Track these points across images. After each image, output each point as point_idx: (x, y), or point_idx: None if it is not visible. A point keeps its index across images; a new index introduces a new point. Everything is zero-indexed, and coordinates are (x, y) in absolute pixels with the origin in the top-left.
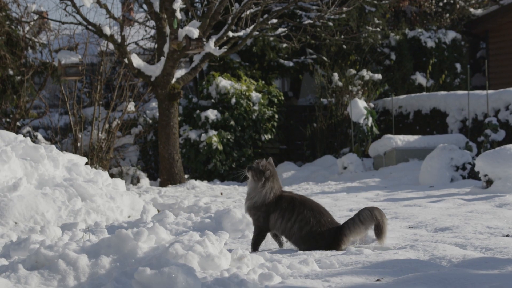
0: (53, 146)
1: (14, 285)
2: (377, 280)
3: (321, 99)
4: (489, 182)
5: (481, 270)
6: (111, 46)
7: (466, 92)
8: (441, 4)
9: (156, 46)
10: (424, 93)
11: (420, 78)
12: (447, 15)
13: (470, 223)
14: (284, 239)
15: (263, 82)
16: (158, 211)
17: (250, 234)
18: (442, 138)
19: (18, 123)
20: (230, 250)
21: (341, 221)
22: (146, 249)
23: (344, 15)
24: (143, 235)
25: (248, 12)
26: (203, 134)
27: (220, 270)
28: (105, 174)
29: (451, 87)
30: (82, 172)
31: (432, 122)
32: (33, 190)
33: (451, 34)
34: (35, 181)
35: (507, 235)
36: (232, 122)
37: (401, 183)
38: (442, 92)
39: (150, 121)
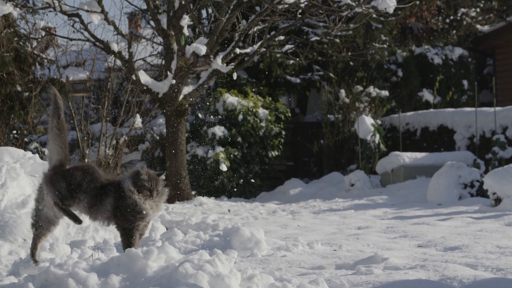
0: None
1: None
2: None
3: (328, 116)
4: (498, 200)
5: None
6: (118, 62)
7: (473, 109)
8: (447, 20)
9: (163, 62)
10: (431, 110)
11: (427, 95)
12: (454, 31)
13: (480, 242)
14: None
15: (270, 98)
16: (167, 228)
17: (259, 252)
18: (450, 155)
19: (26, 139)
20: (239, 269)
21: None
22: (156, 268)
23: (351, 32)
24: (153, 254)
25: (255, 29)
26: (210, 151)
27: None
28: None
29: (458, 104)
30: None
31: (439, 139)
32: None
33: (458, 51)
34: None
35: None
36: (239, 139)
37: (409, 200)
38: (450, 109)
39: (157, 138)
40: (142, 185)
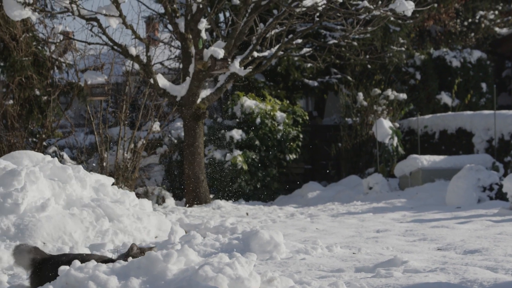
0: (81, 166)
1: None
2: None
3: (346, 119)
4: None
5: None
6: (136, 65)
7: (492, 111)
8: (466, 23)
9: (181, 66)
10: (450, 112)
11: (445, 98)
12: (472, 34)
13: (499, 245)
14: None
15: (288, 101)
16: (186, 231)
17: (278, 255)
18: (468, 159)
19: (44, 143)
20: (258, 272)
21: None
22: (176, 271)
23: (368, 35)
24: (173, 257)
25: (272, 32)
26: (228, 154)
27: None
28: (132, 194)
29: (476, 106)
30: (109, 192)
31: (458, 142)
32: (61, 211)
33: (477, 54)
34: (62, 201)
35: None
36: (257, 142)
37: (428, 203)
38: (468, 112)
39: (175, 141)
40: (134, 256)
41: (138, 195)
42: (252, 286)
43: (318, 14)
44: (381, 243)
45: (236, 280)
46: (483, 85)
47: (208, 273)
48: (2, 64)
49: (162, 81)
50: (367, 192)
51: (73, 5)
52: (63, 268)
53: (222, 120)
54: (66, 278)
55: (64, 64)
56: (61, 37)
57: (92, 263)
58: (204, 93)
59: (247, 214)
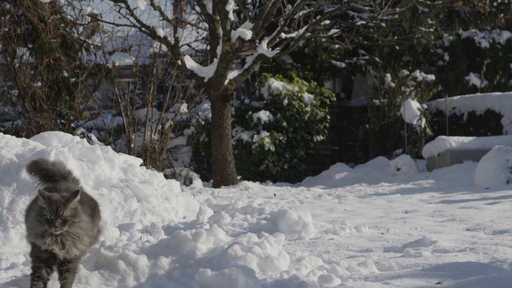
0: (109, 147)
1: (75, 285)
2: (438, 283)
3: (374, 100)
4: None
5: None
6: (163, 47)
7: None
8: (495, 4)
9: (208, 47)
10: (478, 94)
11: (474, 79)
12: (502, 15)
13: None
14: None
15: (315, 83)
16: (214, 212)
17: (306, 235)
18: (497, 140)
19: (72, 124)
20: (287, 252)
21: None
22: (205, 250)
23: (397, 16)
24: (202, 236)
25: (300, 13)
26: (255, 135)
27: (279, 271)
28: (160, 175)
29: (505, 87)
30: (137, 173)
31: (486, 123)
32: (90, 191)
33: (506, 34)
34: (91, 182)
35: None
36: (284, 123)
37: (456, 184)
38: (497, 93)
39: (203, 122)
40: (41, 214)
41: (166, 176)
42: (281, 265)
43: None
44: (410, 224)
45: (265, 259)
46: None
47: (237, 252)
48: (30, 46)
49: (190, 63)
50: (394, 173)
51: None
52: (92, 248)
53: (250, 102)
54: (96, 257)
55: (92, 46)
56: (89, 19)
57: (122, 242)
58: (232, 74)
59: (274, 195)
